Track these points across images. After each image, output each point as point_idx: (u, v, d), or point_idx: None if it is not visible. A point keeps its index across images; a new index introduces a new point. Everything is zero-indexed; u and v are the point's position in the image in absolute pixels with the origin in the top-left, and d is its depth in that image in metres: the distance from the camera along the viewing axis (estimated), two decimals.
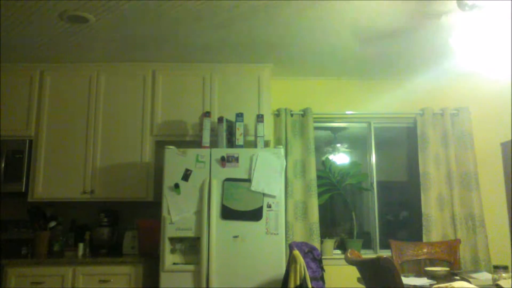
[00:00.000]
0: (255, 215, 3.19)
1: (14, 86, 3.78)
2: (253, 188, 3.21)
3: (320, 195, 4.06)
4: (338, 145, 4.64)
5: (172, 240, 3.20)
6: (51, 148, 3.71)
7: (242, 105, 3.78)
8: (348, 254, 2.56)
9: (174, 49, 3.58)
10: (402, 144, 4.56)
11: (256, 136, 3.47)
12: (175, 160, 3.27)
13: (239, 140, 3.46)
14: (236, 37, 3.36)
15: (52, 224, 3.65)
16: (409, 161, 4.45)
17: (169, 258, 3.17)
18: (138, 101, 3.81)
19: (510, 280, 2.32)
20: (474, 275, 2.76)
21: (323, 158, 4.42)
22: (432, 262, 3.29)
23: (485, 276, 2.69)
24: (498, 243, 4.04)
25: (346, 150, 4.64)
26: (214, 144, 3.49)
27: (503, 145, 4.20)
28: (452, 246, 3.36)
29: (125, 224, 3.86)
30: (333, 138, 4.61)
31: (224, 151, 3.30)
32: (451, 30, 3.14)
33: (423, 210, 3.99)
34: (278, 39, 3.39)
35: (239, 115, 3.51)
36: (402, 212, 4.51)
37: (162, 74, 3.85)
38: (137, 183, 3.67)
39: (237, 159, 3.27)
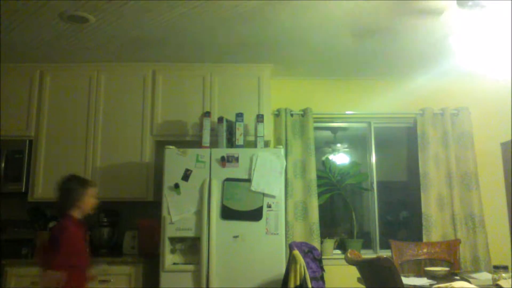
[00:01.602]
0: (255, 215, 3.19)
1: (14, 86, 3.78)
2: (253, 188, 3.21)
3: (320, 195, 4.06)
4: (338, 145, 4.64)
5: (172, 240, 3.20)
6: (51, 148, 3.70)
7: (242, 105, 3.78)
8: (348, 254, 2.56)
9: (174, 49, 3.58)
10: (402, 144, 4.56)
11: (256, 136, 3.47)
12: (175, 160, 3.27)
13: (239, 140, 3.46)
14: (236, 37, 3.36)
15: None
16: (409, 161, 4.44)
17: (169, 258, 3.17)
18: (138, 101, 3.80)
19: (510, 280, 2.32)
20: (474, 275, 2.76)
21: (323, 158, 4.42)
22: (432, 262, 3.29)
23: (485, 276, 2.69)
24: (498, 243, 4.03)
25: (346, 150, 4.65)
26: (214, 144, 3.49)
27: (503, 145, 4.19)
28: (452, 246, 3.36)
29: (125, 224, 3.86)
30: (333, 138, 4.61)
31: (224, 151, 3.30)
32: (451, 29, 3.14)
33: (423, 210, 3.98)
34: (278, 39, 3.39)
35: (239, 115, 3.51)
36: (402, 212, 4.52)
37: (162, 74, 3.85)
38: (137, 183, 3.67)
39: (237, 159, 3.27)
